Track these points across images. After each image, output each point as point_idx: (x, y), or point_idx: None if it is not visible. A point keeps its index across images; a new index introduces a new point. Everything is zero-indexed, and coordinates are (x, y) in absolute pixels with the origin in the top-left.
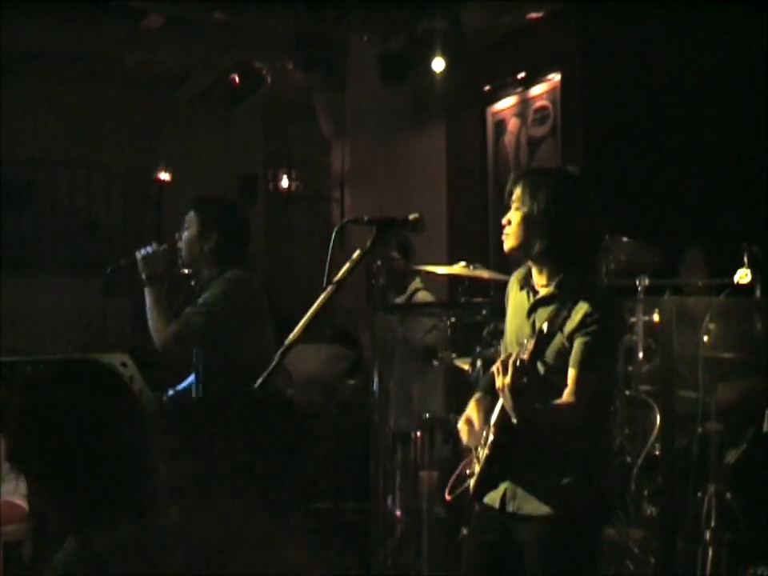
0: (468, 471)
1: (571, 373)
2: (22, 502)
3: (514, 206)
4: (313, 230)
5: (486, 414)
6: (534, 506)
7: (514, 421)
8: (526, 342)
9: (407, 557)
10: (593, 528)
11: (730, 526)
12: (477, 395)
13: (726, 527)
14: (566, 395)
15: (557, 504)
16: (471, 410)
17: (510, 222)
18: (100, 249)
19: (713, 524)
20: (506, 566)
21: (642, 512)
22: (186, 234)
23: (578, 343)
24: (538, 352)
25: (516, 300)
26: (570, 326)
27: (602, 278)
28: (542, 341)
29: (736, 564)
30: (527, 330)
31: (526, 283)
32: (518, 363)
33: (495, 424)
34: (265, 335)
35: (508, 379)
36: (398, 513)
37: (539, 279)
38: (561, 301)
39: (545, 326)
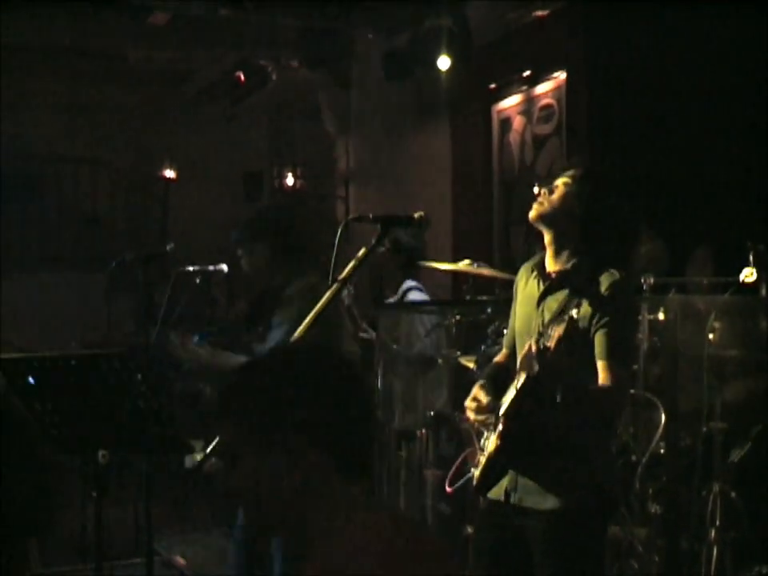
0: (471, 463)
1: (600, 365)
2: None
3: (562, 180)
4: (318, 228)
5: (492, 397)
6: (536, 500)
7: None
8: (550, 330)
9: None
10: (596, 524)
11: (735, 524)
12: (480, 381)
13: (731, 526)
14: (601, 382)
15: (558, 498)
16: (477, 391)
17: (551, 191)
18: (104, 245)
19: (717, 523)
20: (513, 563)
21: (647, 510)
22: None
23: (598, 336)
24: (565, 338)
25: (526, 289)
26: (584, 311)
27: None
28: (571, 327)
29: (740, 563)
30: (536, 318)
31: (539, 272)
32: (543, 350)
33: (505, 414)
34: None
35: (536, 367)
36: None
37: (554, 265)
38: (572, 286)
39: (573, 313)
